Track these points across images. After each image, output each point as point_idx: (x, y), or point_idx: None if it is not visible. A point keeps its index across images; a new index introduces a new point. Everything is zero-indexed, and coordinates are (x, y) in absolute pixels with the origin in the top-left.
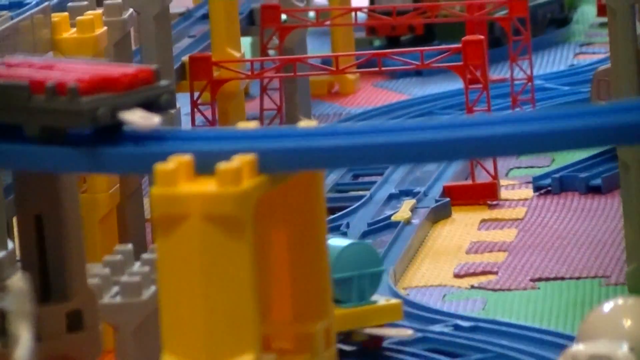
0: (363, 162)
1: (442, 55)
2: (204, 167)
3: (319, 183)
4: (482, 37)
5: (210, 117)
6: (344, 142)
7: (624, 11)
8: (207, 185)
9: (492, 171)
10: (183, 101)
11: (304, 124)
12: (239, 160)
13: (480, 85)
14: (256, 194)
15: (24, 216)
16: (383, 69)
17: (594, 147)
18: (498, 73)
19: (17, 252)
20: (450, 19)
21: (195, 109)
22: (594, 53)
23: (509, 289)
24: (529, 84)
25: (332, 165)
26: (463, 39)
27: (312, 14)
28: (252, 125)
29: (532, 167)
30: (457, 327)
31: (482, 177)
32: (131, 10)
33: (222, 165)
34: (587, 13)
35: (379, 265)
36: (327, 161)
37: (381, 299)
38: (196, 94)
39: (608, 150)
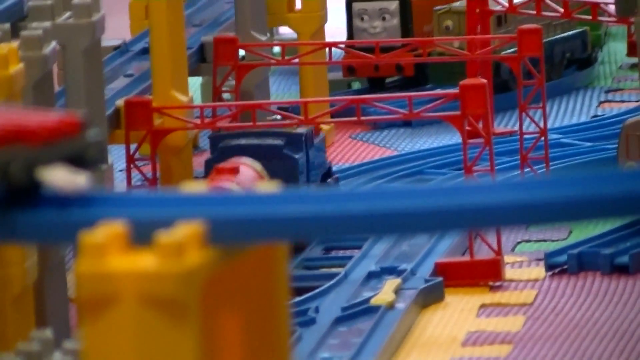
0: (335, 233)
1: (435, 103)
2: (140, 237)
3: (281, 258)
4: (484, 80)
5: (149, 174)
6: (311, 209)
7: None
8: (144, 261)
9: (494, 245)
10: (117, 155)
11: (263, 185)
12: (183, 230)
13: (481, 140)
14: (203, 272)
15: None
16: (363, 118)
17: (621, 218)
18: (505, 125)
19: None
20: (447, 58)
21: (132, 165)
22: (622, 101)
23: None
24: (542, 138)
25: (297, 236)
26: (461, 82)
27: (276, 49)
28: (200, 186)
29: (544, 240)
30: None
31: (483, 253)
32: (54, 43)
33: (163, 236)
34: (615, 52)
35: None
36: (291, 231)
37: None
38: (133, 147)
39: (637, 221)
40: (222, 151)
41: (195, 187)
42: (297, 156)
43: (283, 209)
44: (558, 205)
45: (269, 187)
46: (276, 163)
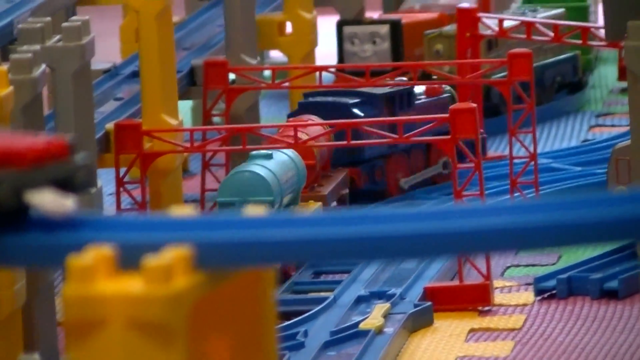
0: (323, 257)
1: (426, 127)
2: (128, 261)
3: (268, 282)
4: (474, 104)
5: (139, 198)
6: (299, 234)
7: None
8: (132, 285)
9: (484, 270)
10: (106, 178)
11: (252, 209)
12: (171, 254)
13: (471, 165)
14: (191, 296)
15: None
16: (353, 142)
17: (610, 243)
18: (495, 149)
19: None
20: (438, 82)
21: (122, 189)
22: (613, 126)
23: None
24: (532, 163)
25: (285, 260)
26: (451, 106)
27: (267, 73)
28: (188, 210)
29: (533, 265)
30: None
31: (472, 277)
32: (44, 66)
33: (150, 260)
34: (606, 76)
35: (267, 195)
36: (279, 256)
37: None
38: (123, 170)
39: (626, 246)
40: (301, 106)
41: (183, 211)
42: (362, 114)
43: (270, 233)
44: (547, 230)
45: (257, 211)
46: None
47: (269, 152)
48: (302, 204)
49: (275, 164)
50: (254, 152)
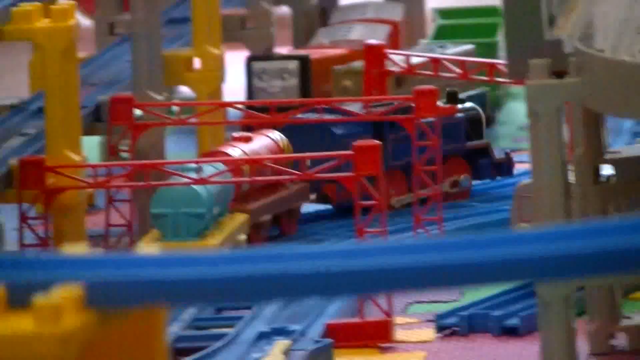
0: (218, 298)
1: (331, 163)
2: (18, 300)
3: (160, 322)
4: (377, 142)
5: (42, 234)
6: (193, 273)
7: (549, 115)
8: (21, 324)
9: (386, 307)
10: (11, 214)
11: (146, 247)
12: (61, 293)
13: (374, 202)
14: (81, 335)
15: None
16: (258, 178)
17: (508, 283)
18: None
19: None
20: (345, 119)
21: (25, 224)
22: (521, 162)
23: None
24: (436, 201)
25: (178, 300)
26: (355, 143)
27: (175, 108)
28: (81, 248)
29: (436, 302)
30: None
31: (374, 314)
32: None
33: (40, 299)
34: (515, 112)
35: (198, 207)
36: (169, 295)
37: None
38: (26, 206)
39: (527, 284)
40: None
41: (75, 249)
42: (344, 132)
43: (163, 272)
44: (447, 270)
45: (150, 249)
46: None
47: (199, 165)
48: (230, 215)
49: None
50: (186, 165)
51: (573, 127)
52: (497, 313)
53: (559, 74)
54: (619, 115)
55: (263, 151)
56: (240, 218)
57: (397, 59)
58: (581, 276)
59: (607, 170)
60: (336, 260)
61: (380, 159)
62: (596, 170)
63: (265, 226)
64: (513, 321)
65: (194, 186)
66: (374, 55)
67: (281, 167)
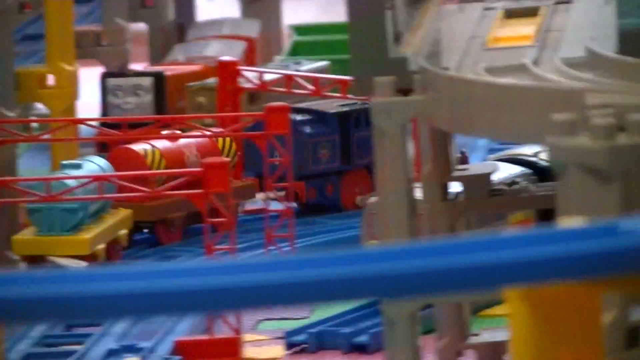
0: (61, 317)
1: (177, 181)
2: None
3: None
4: (226, 160)
5: None
6: (27, 293)
7: (393, 132)
8: None
9: (235, 324)
10: None
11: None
12: None
13: (223, 219)
14: None
15: None
16: (106, 196)
17: (354, 300)
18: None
19: None
20: (202, 135)
21: None
22: None
23: None
24: (287, 218)
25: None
26: (204, 161)
27: (35, 125)
28: None
29: (286, 319)
30: None
31: (224, 331)
32: None
33: None
34: None
35: (73, 202)
36: (13, 314)
37: None
38: None
39: (375, 302)
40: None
41: None
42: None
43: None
44: (294, 287)
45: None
46: None
47: (79, 162)
48: (113, 210)
49: (84, 173)
50: (65, 162)
51: (420, 145)
52: (346, 330)
53: (405, 92)
54: (463, 134)
55: (189, 148)
56: (123, 214)
57: (250, 76)
58: (425, 294)
59: (456, 187)
60: (184, 279)
61: (228, 177)
62: (444, 188)
63: (175, 223)
64: (362, 338)
65: (67, 181)
66: (227, 71)
67: (128, 185)
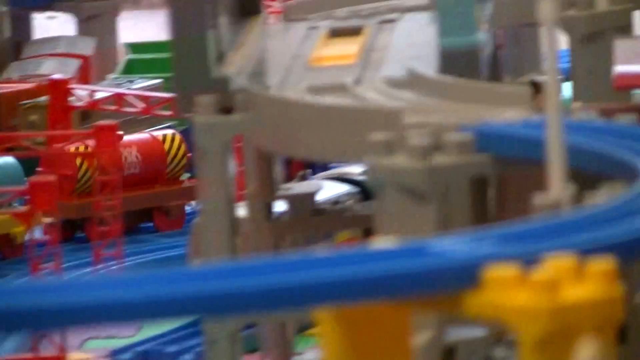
0: None
1: (9, 198)
2: None
3: None
4: (54, 177)
5: None
6: None
7: (215, 151)
8: None
9: (61, 342)
10: None
11: None
12: None
13: (49, 237)
14: None
15: None
16: None
17: (174, 319)
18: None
19: None
20: (27, 154)
21: None
22: None
23: None
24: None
25: None
26: (30, 179)
27: None
28: None
29: (113, 337)
30: None
31: (49, 349)
32: None
33: None
34: None
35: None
36: None
37: None
38: None
39: (199, 319)
40: None
41: None
42: None
43: None
44: (116, 306)
45: None
46: None
47: None
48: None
49: None
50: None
51: (245, 164)
52: (172, 349)
53: (229, 111)
54: (284, 154)
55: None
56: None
57: (81, 94)
58: (240, 312)
59: (281, 206)
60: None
61: (56, 195)
62: (268, 207)
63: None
64: (187, 357)
65: None
66: (58, 90)
67: None
